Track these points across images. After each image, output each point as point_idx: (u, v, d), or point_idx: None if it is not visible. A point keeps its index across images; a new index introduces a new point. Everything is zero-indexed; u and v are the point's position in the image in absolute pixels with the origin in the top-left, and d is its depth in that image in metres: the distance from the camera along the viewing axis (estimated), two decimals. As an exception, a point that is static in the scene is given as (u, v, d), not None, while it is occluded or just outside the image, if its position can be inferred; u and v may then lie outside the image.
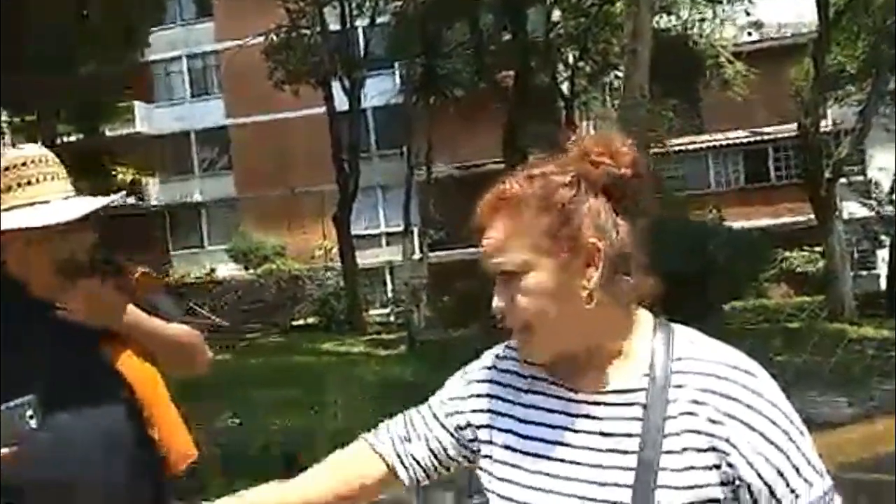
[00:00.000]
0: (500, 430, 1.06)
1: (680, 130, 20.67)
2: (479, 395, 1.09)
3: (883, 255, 21.06)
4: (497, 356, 1.11)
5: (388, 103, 24.01)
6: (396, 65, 23.42)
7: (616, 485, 0.94)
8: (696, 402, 0.93)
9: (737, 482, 0.91)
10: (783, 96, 20.14)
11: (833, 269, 15.35)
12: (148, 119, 28.72)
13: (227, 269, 25.97)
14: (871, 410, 5.66)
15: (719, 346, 0.99)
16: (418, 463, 1.12)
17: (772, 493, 0.91)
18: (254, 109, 26.64)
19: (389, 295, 25.24)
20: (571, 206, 0.95)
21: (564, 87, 18.79)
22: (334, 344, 14.26)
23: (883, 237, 20.57)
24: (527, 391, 1.05)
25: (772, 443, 0.91)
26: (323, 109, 19.08)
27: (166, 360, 1.65)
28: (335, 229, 17.95)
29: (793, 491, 0.91)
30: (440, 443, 1.11)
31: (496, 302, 1.00)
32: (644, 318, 1.01)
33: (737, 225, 16.87)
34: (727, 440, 0.91)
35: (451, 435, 1.11)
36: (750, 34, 21.86)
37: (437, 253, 20.55)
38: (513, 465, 1.03)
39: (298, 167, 25.42)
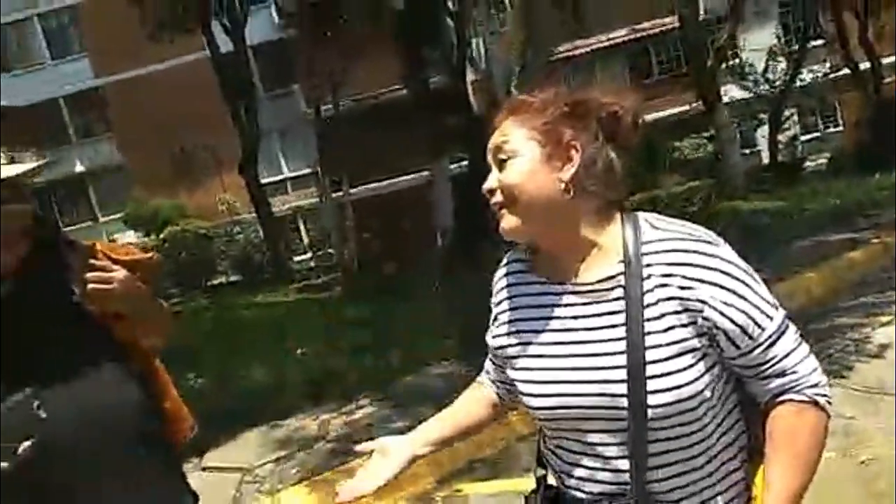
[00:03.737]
0: (514, 333, 1.26)
1: (565, 37, 20.89)
2: (497, 316, 1.30)
3: (763, 132, 22.51)
4: (504, 274, 1.31)
5: (266, 40, 22.99)
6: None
7: (611, 353, 1.13)
8: (666, 274, 1.12)
9: (714, 331, 1.11)
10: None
11: (721, 151, 16.17)
12: (6, 90, 26.50)
13: (126, 238, 24.80)
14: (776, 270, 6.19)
15: (679, 224, 1.17)
16: (506, 389, 1.39)
17: (743, 331, 1.11)
18: (124, 64, 24.92)
19: (304, 241, 24.93)
20: (561, 111, 1.16)
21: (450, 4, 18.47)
22: (266, 295, 13.82)
23: (762, 115, 21.78)
24: (528, 294, 1.25)
25: (734, 292, 1.11)
26: (195, 56, 17.67)
27: (148, 333, 1.64)
28: (243, 180, 17.25)
29: (759, 325, 1.12)
30: (501, 370, 1.34)
31: (487, 184, 1.19)
32: (616, 215, 1.19)
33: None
34: (698, 300, 1.10)
35: (499, 360, 1.34)
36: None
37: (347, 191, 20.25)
38: (526, 362, 1.23)
39: (182, 121, 23.89)
